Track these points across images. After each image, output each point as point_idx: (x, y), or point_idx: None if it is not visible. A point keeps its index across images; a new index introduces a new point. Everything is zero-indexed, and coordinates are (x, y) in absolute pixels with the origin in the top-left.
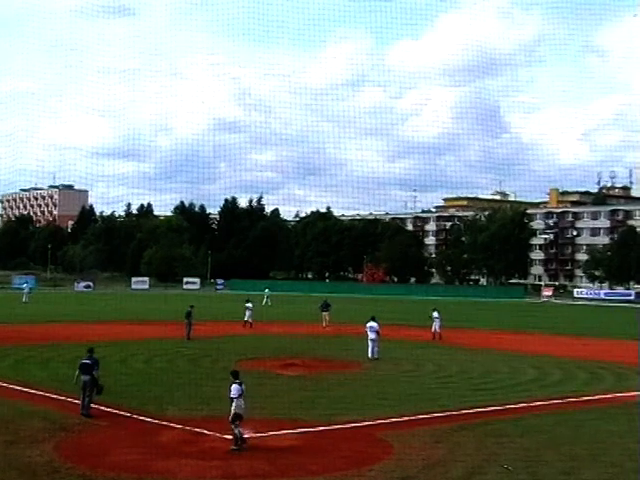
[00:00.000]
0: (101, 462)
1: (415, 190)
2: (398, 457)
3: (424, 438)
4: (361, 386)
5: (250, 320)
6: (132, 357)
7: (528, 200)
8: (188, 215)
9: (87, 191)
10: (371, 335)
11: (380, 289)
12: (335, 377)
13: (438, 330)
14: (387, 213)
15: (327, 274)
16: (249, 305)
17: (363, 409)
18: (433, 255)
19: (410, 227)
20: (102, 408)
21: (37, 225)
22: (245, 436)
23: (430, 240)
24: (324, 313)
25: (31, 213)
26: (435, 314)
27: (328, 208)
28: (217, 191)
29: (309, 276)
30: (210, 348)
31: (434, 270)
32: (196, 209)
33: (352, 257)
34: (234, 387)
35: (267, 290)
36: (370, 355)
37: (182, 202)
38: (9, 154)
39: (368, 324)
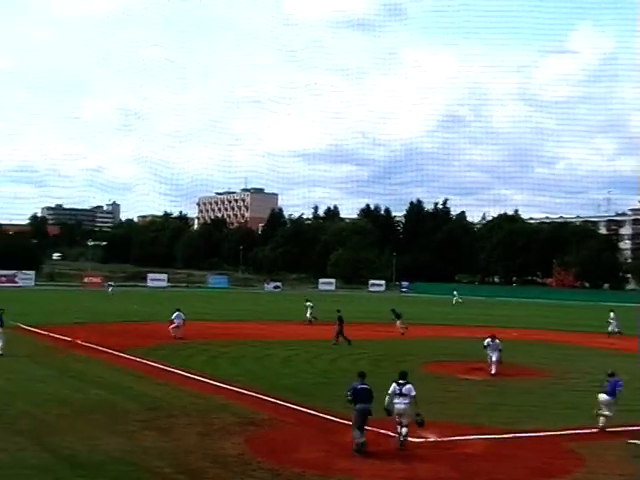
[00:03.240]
0: (288, 458)
1: (609, 192)
2: (589, 470)
3: (619, 452)
4: (548, 394)
5: (311, 318)
6: (318, 357)
7: None
8: (373, 218)
9: (277, 194)
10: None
11: (569, 294)
12: (521, 384)
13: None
14: (578, 216)
15: (514, 278)
16: (309, 304)
17: (550, 418)
18: (629, 260)
19: (603, 231)
20: (289, 406)
21: (230, 227)
22: (430, 439)
23: (625, 244)
24: (397, 322)
25: (225, 216)
26: (611, 314)
27: (516, 211)
28: (407, 193)
29: (495, 280)
30: (394, 350)
31: (629, 276)
32: (381, 212)
33: (540, 261)
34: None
35: (455, 292)
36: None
37: (368, 205)
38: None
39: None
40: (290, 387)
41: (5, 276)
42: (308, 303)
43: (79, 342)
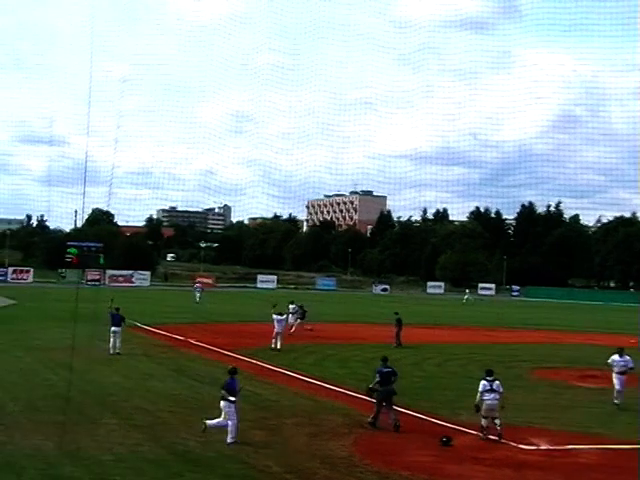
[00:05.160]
0: (395, 461)
1: None
2: None
3: None
4: None
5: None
6: (426, 360)
7: None
8: (483, 220)
9: (385, 197)
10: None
11: None
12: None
13: None
14: None
15: (631, 283)
16: (292, 307)
17: None
18: None
19: None
20: (397, 409)
21: (338, 229)
22: (542, 447)
23: None
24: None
25: (333, 218)
26: None
27: (633, 214)
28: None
29: (611, 285)
30: (504, 355)
31: None
32: (492, 214)
33: None
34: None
35: (467, 291)
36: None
37: (477, 207)
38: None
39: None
40: (398, 390)
41: (123, 276)
42: (291, 306)
43: (192, 341)
